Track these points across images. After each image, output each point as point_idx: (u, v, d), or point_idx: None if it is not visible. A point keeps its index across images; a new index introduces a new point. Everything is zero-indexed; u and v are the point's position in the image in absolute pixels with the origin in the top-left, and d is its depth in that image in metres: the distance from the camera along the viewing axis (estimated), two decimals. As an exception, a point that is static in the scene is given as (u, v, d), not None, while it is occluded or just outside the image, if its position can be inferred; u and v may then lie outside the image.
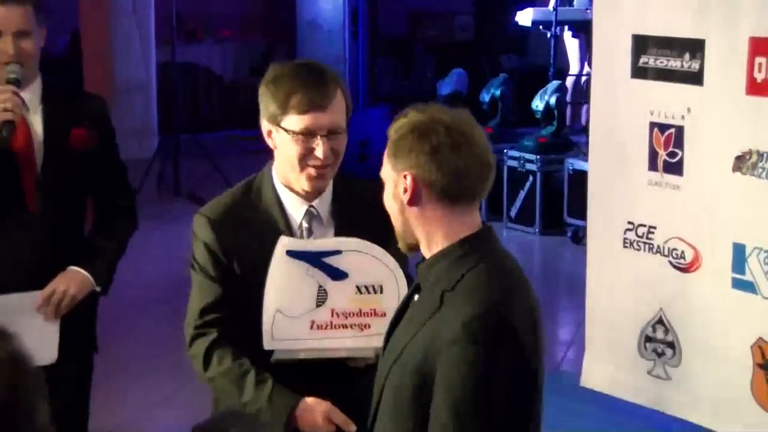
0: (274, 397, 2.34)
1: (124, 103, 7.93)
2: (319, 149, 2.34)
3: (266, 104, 2.37)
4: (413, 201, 2.05)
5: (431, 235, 2.06)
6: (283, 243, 2.35)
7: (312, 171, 2.38)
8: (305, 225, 2.44)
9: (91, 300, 3.06)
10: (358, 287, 2.36)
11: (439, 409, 1.95)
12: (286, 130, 2.35)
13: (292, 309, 2.36)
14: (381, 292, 2.34)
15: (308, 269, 2.35)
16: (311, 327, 2.36)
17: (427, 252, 2.10)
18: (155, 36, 8.15)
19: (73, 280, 2.96)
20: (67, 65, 9.23)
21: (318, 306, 2.37)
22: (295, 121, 2.34)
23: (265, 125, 2.40)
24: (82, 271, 2.99)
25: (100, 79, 7.98)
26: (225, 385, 2.40)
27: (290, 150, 2.36)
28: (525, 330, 1.99)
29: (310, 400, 2.33)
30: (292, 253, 2.35)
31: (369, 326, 2.33)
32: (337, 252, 2.36)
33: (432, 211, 2.05)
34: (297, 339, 2.36)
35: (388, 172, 2.10)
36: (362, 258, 2.35)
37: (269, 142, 2.42)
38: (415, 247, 2.12)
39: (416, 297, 2.13)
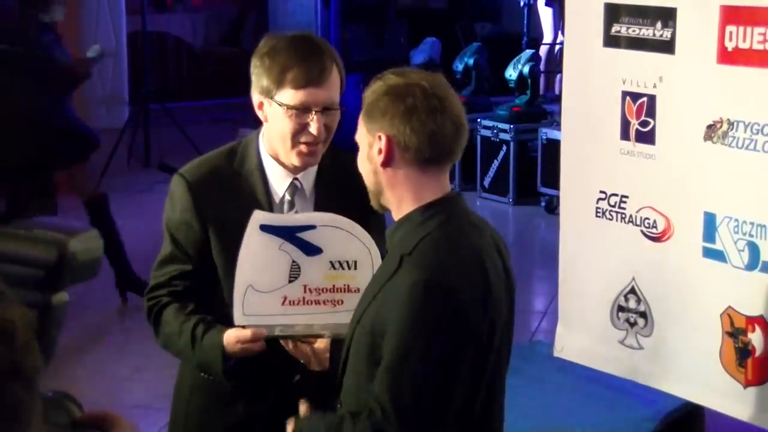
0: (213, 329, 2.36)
1: (93, 72, 7.83)
2: (313, 125, 2.32)
3: (259, 77, 2.34)
4: (387, 162, 2.08)
5: (402, 199, 2.10)
6: (257, 217, 2.32)
7: (303, 148, 2.36)
8: (288, 198, 2.42)
9: None
10: (332, 263, 2.33)
11: (382, 368, 2.00)
12: (280, 105, 2.31)
13: (264, 284, 2.33)
14: (355, 268, 2.31)
15: (282, 244, 2.32)
16: (283, 303, 2.34)
17: (397, 216, 2.13)
18: (125, 4, 8.04)
19: None
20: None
21: (291, 281, 2.34)
22: (290, 95, 2.31)
23: (256, 97, 2.38)
24: None
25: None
26: (173, 343, 2.41)
27: (283, 125, 2.33)
28: (473, 297, 2.01)
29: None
30: (265, 228, 2.32)
31: (342, 302, 2.31)
32: (312, 227, 2.33)
33: (404, 173, 2.08)
34: (268, 315, 2.33)
35: (362, 133, 2.12)
36: (337, 233, 2.32)
37: (259, 114, 2.40)
38: (386, 208, 2.15)
39: None
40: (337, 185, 2.41)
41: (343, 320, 2.27)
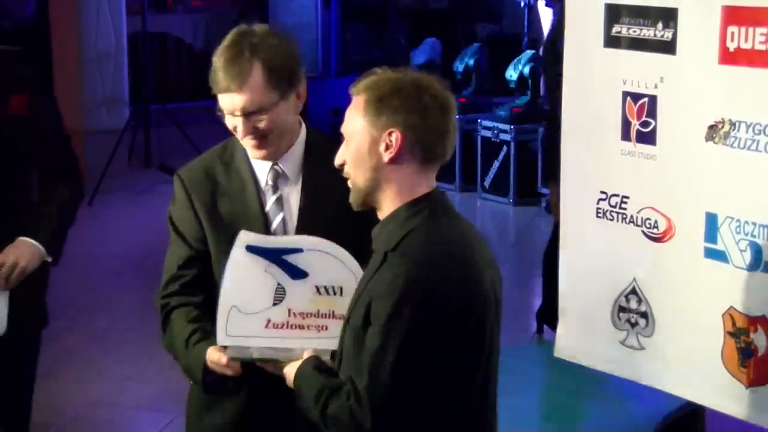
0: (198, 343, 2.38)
1: (93, 72, 7.84)
2: (239, 128, 2.37)
3: None
4: (396, 159, 2.08)
5: (393, 196, 2.12)
6: (243, 238, 2.33)
7: (248, 142, 2.40)
8: (270, 182, 2.46)
9: (41, 271, 3.00)
10: (317, 287, 2.32)
11: (363, 356, 2.05)
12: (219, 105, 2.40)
13: (248, 306, 2.33)
14: (341, 295, 2.29)
15: (268, 266, 2.33)
16: (267, 325, 2.34)
17: (383, 215, 2.15)
18: (125, 4, 8.04)
19: (24, 252, 2.91)
20: (35, 33, 9.09)
21: (275, 304, 2.34)
22: (219, 98, 2.39)
23: None
24: (32, 241, 2.93)
25: (68, 48, 7.87)
26: (172, 346, 2.45)
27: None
28: (454, 291, 2.03)
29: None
30: (251, 249, 2.33)
31: (326, 328, 2.31)
32: (298, 250, 2.32)
33: (405, 170, 2.10)
34: (251, 336, 2.33)
35: (360, 128, 2.10)
36: (323, 258, 2.32)
37: None
38: (367, 205, 2.14)
39: None
40: (324, 172, 2.39)
41: (326, 346, 2.27)
